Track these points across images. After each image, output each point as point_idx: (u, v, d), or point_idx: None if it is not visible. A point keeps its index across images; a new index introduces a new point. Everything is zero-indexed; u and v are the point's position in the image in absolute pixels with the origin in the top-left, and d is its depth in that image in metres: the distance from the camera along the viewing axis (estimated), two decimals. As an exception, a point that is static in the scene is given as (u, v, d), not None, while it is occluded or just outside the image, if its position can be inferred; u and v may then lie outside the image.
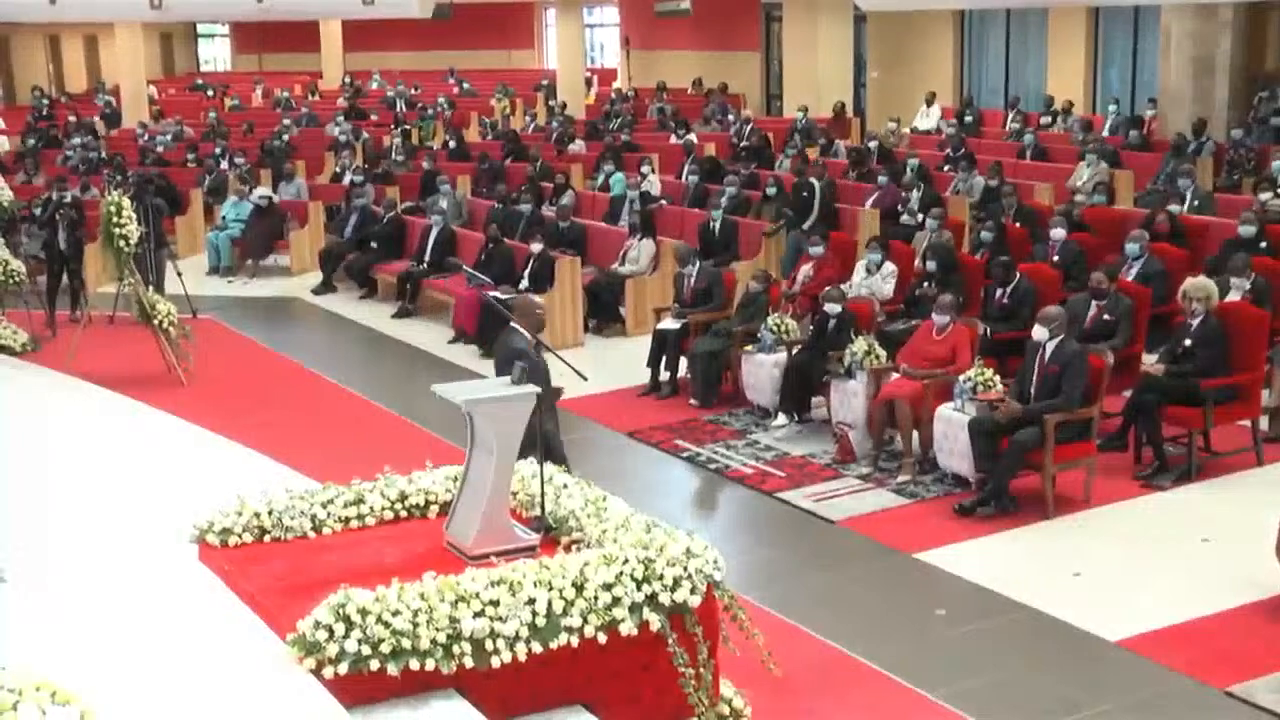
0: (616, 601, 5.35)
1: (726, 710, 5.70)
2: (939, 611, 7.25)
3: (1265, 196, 12.77)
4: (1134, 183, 16.63)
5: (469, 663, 5.10)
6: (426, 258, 14.58)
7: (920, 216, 14.32)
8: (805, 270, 12.26)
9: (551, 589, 5.27)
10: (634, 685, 5.45)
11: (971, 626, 7.06)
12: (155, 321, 11.59)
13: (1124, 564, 7.75)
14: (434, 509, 6.51)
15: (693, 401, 10.90)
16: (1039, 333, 8.54)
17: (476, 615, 5.13)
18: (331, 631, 4.98)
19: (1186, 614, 7.01)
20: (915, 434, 9.13)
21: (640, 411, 10.86)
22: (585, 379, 6.62)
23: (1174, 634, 6.82)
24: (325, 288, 15.86)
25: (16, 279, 12.87)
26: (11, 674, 3.31)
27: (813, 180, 14.93)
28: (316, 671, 4.96)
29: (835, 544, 8.28)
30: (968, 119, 21.48)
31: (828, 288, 10.54)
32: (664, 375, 11.27)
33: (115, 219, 11.40)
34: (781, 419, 10.14)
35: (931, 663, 6.63)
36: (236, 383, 12.05)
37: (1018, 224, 13.29)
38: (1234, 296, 9.68)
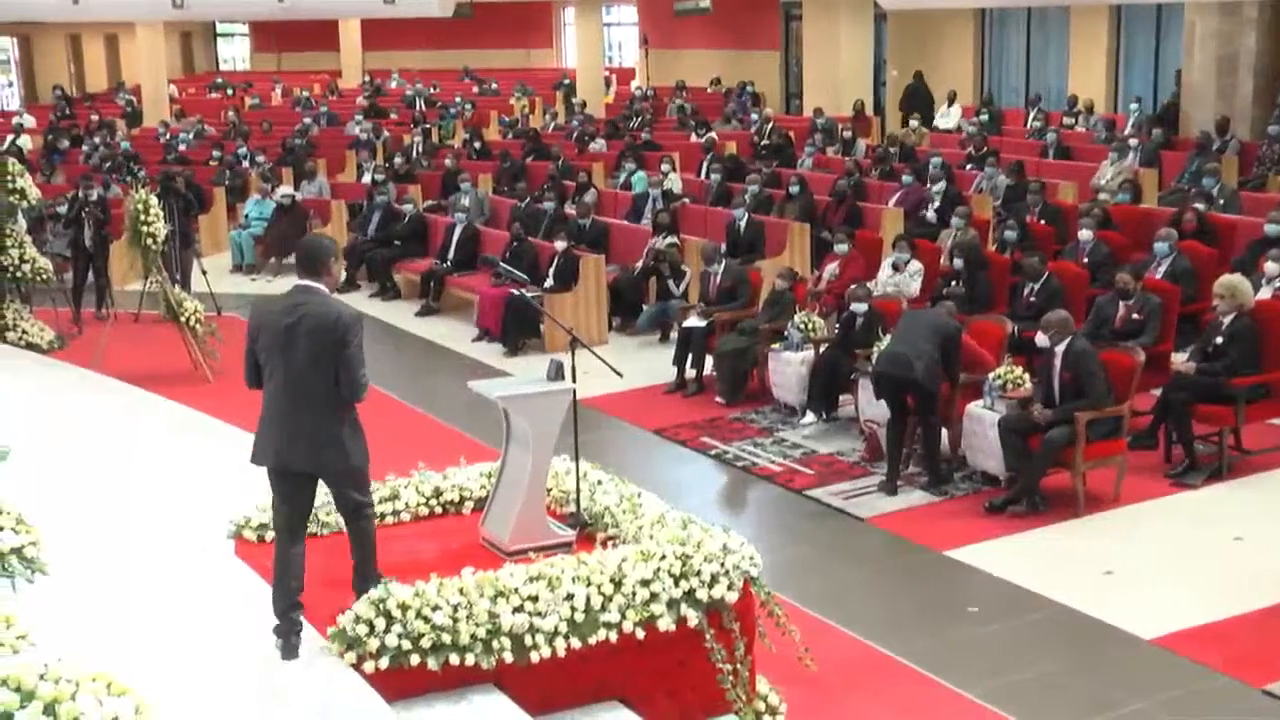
0: (654, 597, 5.37)
1: (762, 706, 5.70)
2: (971, 609, 7.24)
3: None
4: (1158, 181, 16.58)
5: (508, 658, 5.13)
6: (450, 256, 14.60)
7: (935, 215, 14.32)
8: (830, 268, 12.26)
9: (590, 585, 5.30)
10: (671, 681, 5.47)
11: (1004, 624, 7.05)
12: (182, 319, 11.62)
13: (1156, 562, 7.73)
14: (469, 505, 6.54)
15: (719, 399, 10.89)
16: (1040, 339, 8.57)
17: (516, 610, 5.15)
18: (372, 626, 5.01)
19: (1221, 612, 6.98)
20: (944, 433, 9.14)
21: (666, 409, 10.86)
22: (620, 375, 6.61)
23: (1209, 632, 6.80)
24: (348, 286, 15.87)
25: (43, 277, 12.90)
26: (68, 665, 3.33)
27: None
28: (357, 666, 5.00)
29: (865, 541, 8.27)
30: (984, 117, 21.43)
31: (854, 286, 10.53)
32: (690, 373, 11.27)
33: (143, 217, 11.44)
34: (809, 417, 10.13)
35: (965, 660, 6.62)
36: (263, 380, 12.05)
37: (1043, 222, 13.26)
38: (1264, 294, 9.65)
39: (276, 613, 5.17)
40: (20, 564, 5.05)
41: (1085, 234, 11.72)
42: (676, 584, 5.41)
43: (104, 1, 22.50)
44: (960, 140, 19.64)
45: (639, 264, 13.68)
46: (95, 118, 24.92)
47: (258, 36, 38.53)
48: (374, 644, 4.98)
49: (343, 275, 5.53)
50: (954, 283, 11.08)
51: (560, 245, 13.10)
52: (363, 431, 5.37)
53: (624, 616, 5.30)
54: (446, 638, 5.04)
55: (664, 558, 5.45)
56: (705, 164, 18.00)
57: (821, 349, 10.30)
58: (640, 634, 5.33)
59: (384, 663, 4.98)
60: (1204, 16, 18.57)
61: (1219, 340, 8.93)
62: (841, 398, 10.22)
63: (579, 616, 5.23)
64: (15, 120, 25.21)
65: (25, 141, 22.73)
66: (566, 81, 29.44)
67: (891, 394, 8.84)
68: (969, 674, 6.44)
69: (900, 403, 8.87)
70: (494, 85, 30.33)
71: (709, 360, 11.24)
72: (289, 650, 5.14)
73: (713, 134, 20.84)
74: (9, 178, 12.56)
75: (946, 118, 23.05)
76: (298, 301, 5.24)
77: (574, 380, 6.07)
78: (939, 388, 8.82)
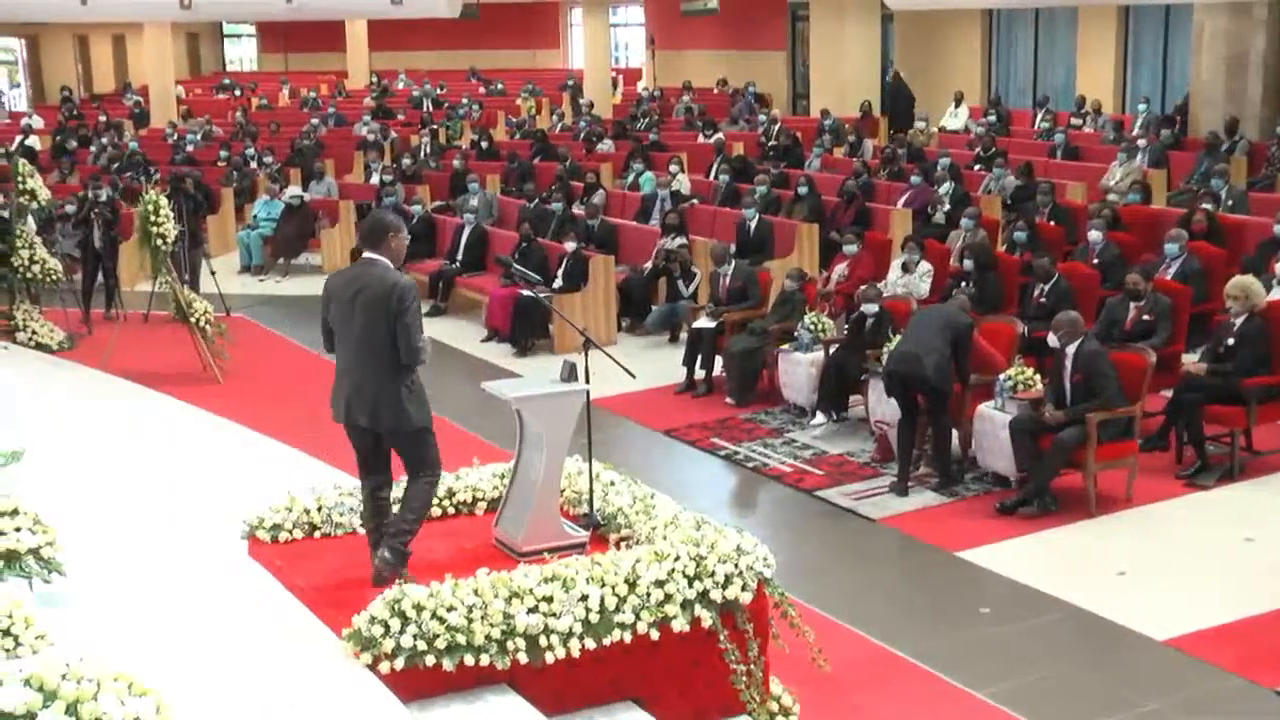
0: (669, 598, 5.37)
1: (775, 707, 5.70)
2: (983, 609, 7.24)
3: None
4: (1167, 182, 16.57)
5: (523, 658, 5.13)
6: (459, 256, 14.61)
7: (944, 216, 14.30)
8: (840, 269, 12.27)
9: (604, 585, 5.30)
10: (685, 681, 5.47)
11: (1016, 625, 7.05)
12: (192, 320, 11.64)
13: (1168, 563, 7.72)
14: (481, 506, 6.54)
15: (728, 400, 10.90)
16: (1051, 340, 8.57)
17: (530, 611, 5.15)
18: (387, 627, 5.02)
19: (1233, 613, 6.98)
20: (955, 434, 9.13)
21: (676, 410, 10.86)
22: (634, 376, 6.62)
23: (1221, 633, 6.79)
24: (357, 286, 15.88)
25: (53, 277, 12.94)
26: (89, 664, 3.34)
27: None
28: (373, 666, 5.00)
29: (876, 542, 8.27)
30: (991, 117, 21.42)
31: (864, 287, 10.53)
32: (699, 374, 11.27)
33: (153, 218, 11.45)
34: (819, 417, 10.12)
35: (978, 660, 6.61)
36: (272, 381, 12.10)
37: (1052, 223, 13.26)
38: (1275, 295, 9.64)
39: (370, 544, 5.80)
40: (37, 564, 5.06)
41: (1095, 235, 11.70)
42: (690, 585, 5.41)
43: (112, 2, 22.53)
44: (968, 141, 19.64)
45: (648, 265, 13.69)
46: (103, 118, 24.96)
47: (265, 37, 38.57)
48: (389, 644, 4.98)
49: (405, 249, 5.92)
50: (964, 284, 11.06)
51: (570, 246, 13.11)
52: (423, 395, 5.69)
53: (638, 617, 5.30)
54: (461, 638, 5.04)
55: (678, 558, 5.45)
56: (715, 165, 18.00)
57: (831, 350, 10.30)
58: (654, 634, 5.33)
59: (399, 663, 4.98)
60: (1213, 17, 18.55)
61: (1230, 341, 8.92)
62: (852, 398, 10.22)
63: (593, 617, 5.23)
64: (24, 121, 25.24)
65: (34, 142, 22.76)
66: (570, 82, 29.44)
67: (902, 392, 8.84)
68: (981, 675, 6.44)
69: (911, 402, 8.86)
70: (500, 86, 30.35)
71: (718, 361, 11.24)
72: (376, 574, 5.62)
73: (720, 134, 20.86)
74: (19, 178, 12.60)
75: (954, 118, 23.04)
76: (360, 272, 5.71)
77: (587, 381, 6.07)
78: (950, 387, 8.81)
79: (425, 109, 26.56)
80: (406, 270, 15.07)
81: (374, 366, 5.60)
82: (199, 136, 22.78)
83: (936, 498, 8.73)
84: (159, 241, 11.52)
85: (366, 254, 5.72)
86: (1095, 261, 11.41)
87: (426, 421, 5.68)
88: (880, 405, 9.39)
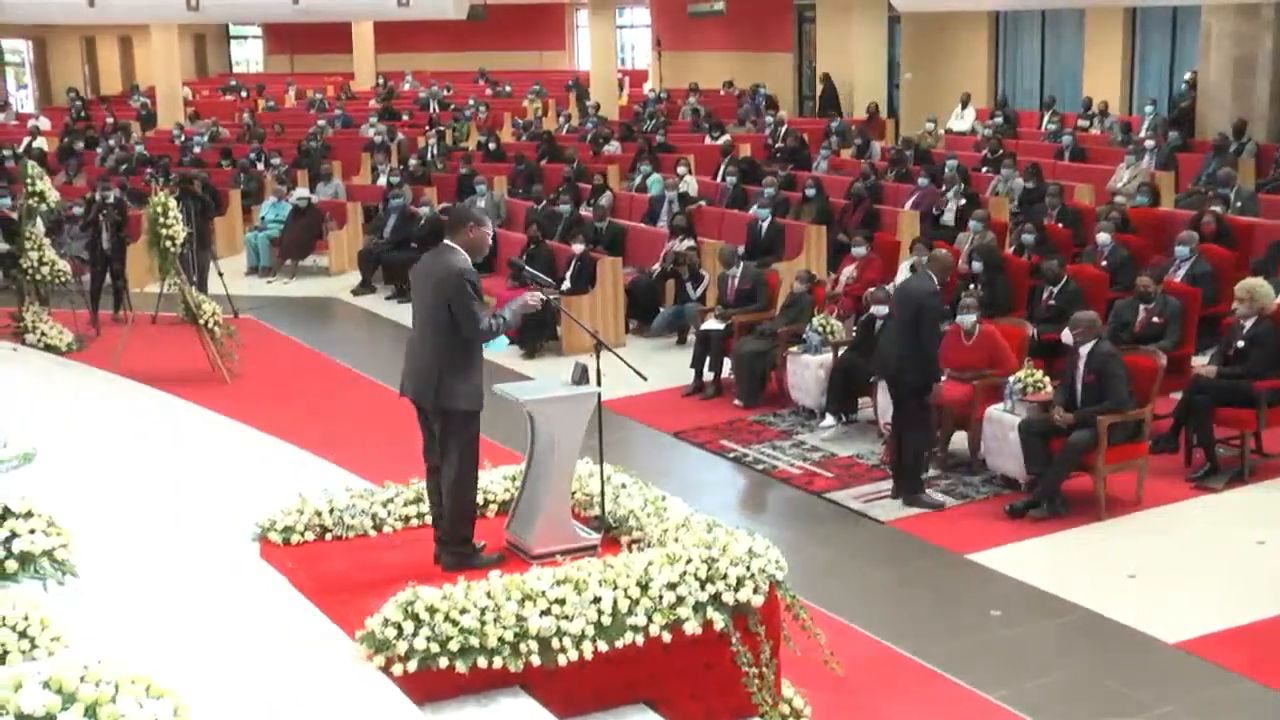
0: (681, 601, 5.38)
1: (787, 710, 5.70)
2: (994, 612, 7.23)
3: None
4: (1175, 183, 16.55)
5: (536, 661, 5.13)
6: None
7: (954, 218, 14.30)
8: (848, 271, 12.27)
9: (617, 588, 5.30)
10: (697, 684, 5.47)
11: (1027, 627, 7.05)
12: (201, 321, 11.65)
13: (1178, 566, 7.72)
14: (493, 508, 6.55)
15: (737, 402, 10.90)
16: (1066, 336, 8.56)
17: (543, 614, 5.16)
18: (400, 629, 5.02)
19: (1245, 616, 6.97)
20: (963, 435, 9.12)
21: (685, 412, 10.86)
22: (645, 379, 6.63)
23: (1233, 636, 6.79)
24: (364, 288, 15.94)
25: (62, 279, 12.95)
26: (107, 667, 3.34)
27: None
28: (386, 669, 5.00)
29: (885, 544, 8.27)
30: (999, 119, 21.40)
31: (872, 289, 10.52)
32: (708, 376, 11.27)
33: (162, 220, 11.46)
34: (828, 420, 10.11)
35: (989, 663, 6.61)
36: (280, 382, 12.11)
37: (1061, 225, 13.24)
38: (1285, 297, 9.62)
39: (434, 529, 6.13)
40: (51, 566, 5.07)
41: (1103, 237, 11.69)
42: (703, 587, 5.42)
43: (119, 3, 22.57)
44: (975, 143, 19.62)
45: (656, 267, 13.69)
46: (110, 120, 24.98)
47: (271, 39, 38.56)
48: (402, 647, 4.98)
49: (489, 239, 6.26)
50: (972, 285, 11.06)
51: (578, 248, 13.11)
52: (475, 379, 5.93)
53: (650, 620, 5.31)
54: (474, 641, 5.04)
55: (690, 561, 5.45)
56: (723, 166, 18.01)
57: (840, 352, 10.30)
58: (667, 637, 5.33)
59: (412, 665, 4.99)
60: (1220, 18, 18.52)
61: (1240, 343, 8.91)
62: (860, 400, 10.21)
63: (606, 620, 5.24)
64: (31, 123, 25.28)
65: (42, 144, 22.79)
66: (571, 83, 29.42)
67: (891, 388, 8.85)
68: (992, 677, 6.44)
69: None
70: (507, 87, 30.35)
71: (727, 363, 11.24)
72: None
73: (728, 136, 20.85)
74: (29, 180, 12.62)
75: (961, 120, 23.01)
76: (433, 257, 6.03)
77: (599, 384, 6.07)
78: (917, 377, 8.56)
79: (432, 110, 26.57)
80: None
81: (432, 346, 5.90)
82: (206, 138, 22.80)
83: (945, 500, 8.72)
84: (168, 243, 11.52)
85: (446, 240, 6.03)
86: (1104, 263, 11.40)
87: (474, 407, 5.90)
88: (889, 408, 9.36)
